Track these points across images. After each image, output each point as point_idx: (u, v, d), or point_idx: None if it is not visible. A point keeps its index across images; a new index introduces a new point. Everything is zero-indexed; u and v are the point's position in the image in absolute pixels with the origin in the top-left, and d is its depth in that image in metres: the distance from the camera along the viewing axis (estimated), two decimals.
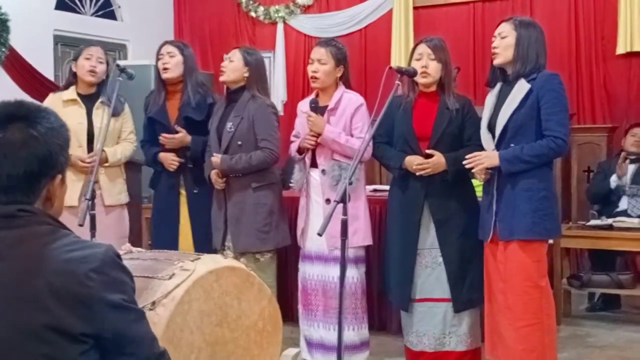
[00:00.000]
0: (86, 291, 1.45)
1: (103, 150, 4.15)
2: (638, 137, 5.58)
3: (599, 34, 6.71)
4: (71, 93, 4.30)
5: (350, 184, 3.17)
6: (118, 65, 4.07)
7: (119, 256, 1.55)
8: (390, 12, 7.49)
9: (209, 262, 2.47)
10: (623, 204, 5.48)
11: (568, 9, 6.79)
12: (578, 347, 4.51)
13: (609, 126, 6.45)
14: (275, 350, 2.63)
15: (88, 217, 3.54)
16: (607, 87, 6.71)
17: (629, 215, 5.31)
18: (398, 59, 7.21)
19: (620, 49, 6.47)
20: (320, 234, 2.90)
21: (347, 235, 2.94)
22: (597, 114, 6.69)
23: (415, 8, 7.39)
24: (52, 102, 4.27)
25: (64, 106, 4.21)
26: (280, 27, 8.10)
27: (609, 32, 6.60)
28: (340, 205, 2.89)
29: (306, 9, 8.04)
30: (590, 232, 5.06)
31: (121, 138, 4.39)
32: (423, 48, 3.80)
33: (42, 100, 4.19)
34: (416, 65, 3.78)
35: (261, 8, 8.17)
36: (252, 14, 8.23)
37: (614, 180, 5.49)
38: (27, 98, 1.69)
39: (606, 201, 5.58)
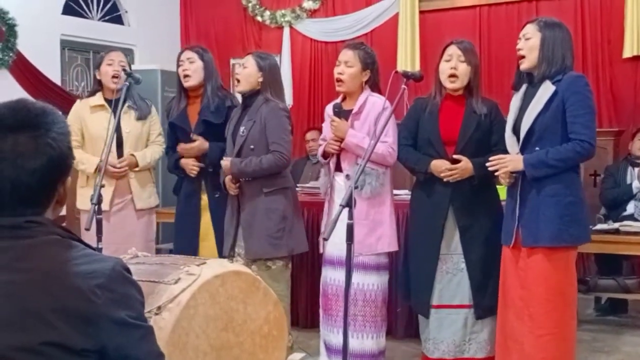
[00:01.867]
0: (91, 308, 1.41)
1: (133, 155, 4.23)
2: None
3: (605, 37, 6.68)
4: (98, 99, 4.37)
5: (357, 187, 3.15)
6: (125, 70, 4.13)
7: (127, 270, 1.51)
8: (396, 16, 7.48)
9: (215, 266, 2.48)
10: (630, 208, 5.47)
11: (574, 12, 6.77)
12: (584, 351, 4.49)
13: (615, 130, 6.43)
14: (280, 355, 2.63)
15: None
16: (613, 91, 6.69)
17: (636, 220, 5.29)
18: (404, 63, 7.20)
19: (627, 53, 6.45)
20: (325, 239, 2.89)
21: (353, 240, 2.91)
22: (603, 118, 6.66)
23: (421, 12, 7.38)
24: (80, 108, 4.37)
25: (91, 112, 4.30)
26: (286, 31, 8.10)
27: (616, 35, 6.58)
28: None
29: (312, 13, 8.04)
30: (597, 237, 5.00)
31: (150, 141, 4.45)
32: (453, 49, 3.76)
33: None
34: (445, 66, 3.75)
35: (267, 12, 8.17)
36: (259, 18, 8.24)
37: (636, 187, 5.47)
38: None
39: (614, 205, 5.57)
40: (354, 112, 3.85)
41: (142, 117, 4.37)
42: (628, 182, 5.56)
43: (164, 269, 2.45)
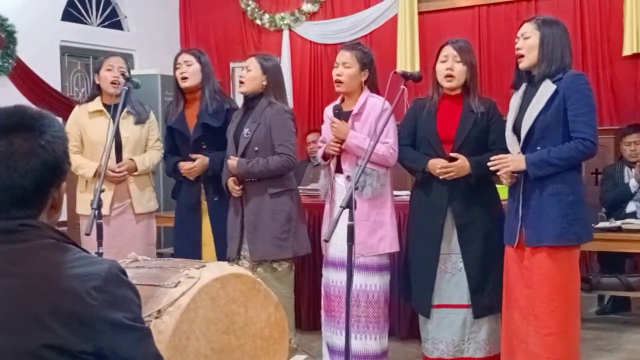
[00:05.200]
0: (88, 310, 1.41)
1: (132, 159, 4.23)
2: (632, 146, 5.55)
3: (604, 35, 6.68)
4: (97, 104, 4.37)
5: (357, 189, 3.15)
6: (124, 75, 4.14)
7: (123, 272, 1.51)
8: (395, 17, 7.49)
9: (215, 269, 2.48)
10: (631, 207, 5.45)
11: (573, 11, 6.76)
12: (588, 350, 4.47)
13: (616, 128, 6.40)
14: (281, 357, 2.63)
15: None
16: (614, 89, 6.69)
17: (638, 218, 5.28)
18: (404, 64, 7.20)
19: (627, 51, 6.45)
20: (326, 240, 2.89)
21: (354, 241, 2.90)
22: (604, 116, 6.65)
23: (420, 13, 7.38)
24: (79, 114, 4.38)
25: (90, 117, 4.30)
26: (285, 34, 8.11)
27: (615, 33, 6.58)
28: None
29: (311, 16, 8.04)
30: (599, 235, 4.97)
31: (148, 146, 4.45)
32: (449, 50, 3.75)
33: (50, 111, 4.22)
34: (441, 67, 3.75)
35: (266, 16, 8.18)
36: (258, 21, 8.24)
37: (633, 185, 5.46)
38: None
39: (615, 205, 5.55)
40: (354, 113, 3.83)
41: (140, 121, 4.37)
42: (626, 181, 5.55)
43: (164, 272, 2.44)
